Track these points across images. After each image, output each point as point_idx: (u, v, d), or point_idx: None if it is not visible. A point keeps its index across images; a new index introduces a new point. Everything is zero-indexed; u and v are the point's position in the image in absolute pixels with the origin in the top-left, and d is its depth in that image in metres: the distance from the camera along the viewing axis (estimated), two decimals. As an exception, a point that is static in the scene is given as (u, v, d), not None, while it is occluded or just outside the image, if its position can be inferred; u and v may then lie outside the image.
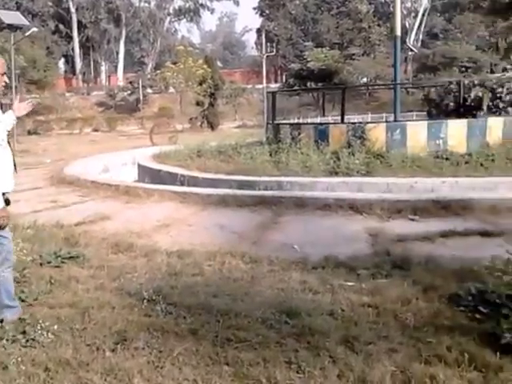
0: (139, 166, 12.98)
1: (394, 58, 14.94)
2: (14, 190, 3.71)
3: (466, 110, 11.12)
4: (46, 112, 39.37)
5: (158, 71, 44.54)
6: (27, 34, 27.52)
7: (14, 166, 3.69)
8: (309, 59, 41.13)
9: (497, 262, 4.09)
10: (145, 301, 3.96)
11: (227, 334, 3.41)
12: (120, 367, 3.01)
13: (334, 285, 4.37)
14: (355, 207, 7.14)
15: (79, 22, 56.83)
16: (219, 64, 50.67)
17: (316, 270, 4.79)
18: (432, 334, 3.37)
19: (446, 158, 9.99)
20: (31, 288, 4.29)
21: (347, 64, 43.00)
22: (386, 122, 14.83)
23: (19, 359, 3.09)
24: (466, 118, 10.83)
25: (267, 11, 60.95)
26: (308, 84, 39.35)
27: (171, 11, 65.76)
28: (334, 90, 28.42)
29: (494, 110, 11.15)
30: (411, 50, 45.44)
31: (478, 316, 3.59)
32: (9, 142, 3.68)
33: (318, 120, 17.94)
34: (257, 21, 64.10)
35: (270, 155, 11.25)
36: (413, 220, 6.69)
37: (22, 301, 3.93)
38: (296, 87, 39.48)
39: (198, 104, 36.48)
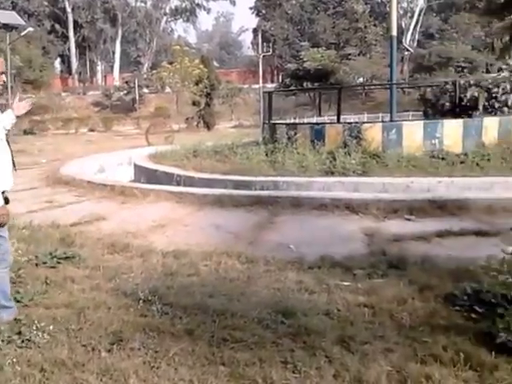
0: (135, 165, 12.96)
1: (390, 58, 14.98)
2: (10, 190, 3.70)
3: (461, 109, 11.14)
4: (42, 112, 39.18)
5: (155, 71, 44.43)
6: (23, 33, 27.48)
7: (13, 164, 3.70)
8: (305, 59, 41.15)
9: (492, 262, 4.11)
10: (141, 301, 3.95)
11: (223, 334, 3.41)
12: (116, 367, 3.01)
13: (330, 285, 4.37)
14: (351, 207, 7.15)
15: (75, 22, 56.66)
16: (215, 64, 50.71)
17: (312, 270, 4.79)
18: (428, 334, 3.37)
19: (442, 158, 10.01)
20: (27, 288, 4.28)
21: (343, 64, 43.05)
22: (382, 121, 14.88)
23: (15, 360, 3.08)
24: (462, 117, 10.86)
25: (264, 11, 60.93)
26: (304, 84, 39.37)
27: (167, 11, 65.63)
28: (330, 90, 28.38)
29: (490, 110, 11.17)
30: (407, 50, 45.54)
31: (473, 315, 3.60)
32: (7, 141, 3.68)
33: (315, 120, 17.94)
34: (253, 21, 64.26)
35: (266, 155, 11.25)
36: (409, 220, 6.70)
37: (18, 301, 3.92)
38: (292, 87, 39.48)
39: (194, 104, 36.40)
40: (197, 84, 35.84)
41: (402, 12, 52.58)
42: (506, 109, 11.22)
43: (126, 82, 49.88)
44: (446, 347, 3.16)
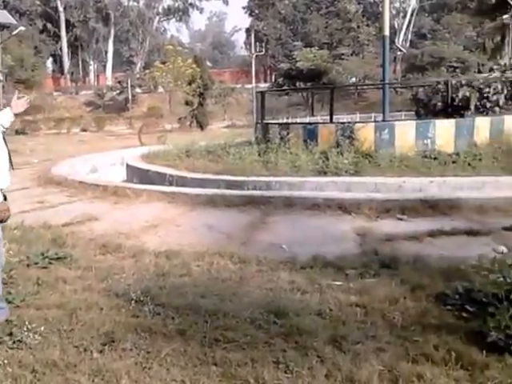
0: (128, 166, 12.92)
1: (382, 58, 15.01)
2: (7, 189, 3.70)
3: (453, 109, 11.19)
4: (34, 112, 38.96)
5: (147, 71, 44.38)
6: (14, 32, 27.33)
7: (11, 163, 3.69)
8: (298, 59, 41.24)
9: (483, 261, 4.12)
10: (133, 302, 3.94)
11: (215, 335, 3.41)
12: (107, 368, 3.00)
13: (322, 284, 4.38)
14: (344, 207, 7.16)
15: (67, 21, 56.41)
16: (208, 64, 50.66)
17: (304, 270, 4.80)
18: (419, 333, 3.39)
19: (434, 158, 10.05)
20: (18, 289, 4.27)
21: (336, 64, 43.15)
22: (375, 121, 14.91)
23: (6, 361, 3.07)
24: (454, 117, 10.90)
25: (257, 11, 60.98)
26: (297, 84, 39.42)
27: (160, 10, 65.52)
28: (322, 90, 28.46)
29: (482, 110, 11.23)
30: (400, 50, 45.66)
31: (464, 315, 3.62)
32: (5, 140, 3.66)
33: (307, 120, 17.96)
34: (246, 20, 64.26)
35: (259, 155, 11.25)
36: (401, 219, 6.72)
37: (9, 302, 3.90)
38: (285, 87, 39.52)
39: (187, 104, 36.36)
40: (190, 84, 35.82)
41: (394, 12, 52.75)
42: (497, 109, 11.28)
43: (119, 82, 49.80)
44: (437, 346, 3.18)
